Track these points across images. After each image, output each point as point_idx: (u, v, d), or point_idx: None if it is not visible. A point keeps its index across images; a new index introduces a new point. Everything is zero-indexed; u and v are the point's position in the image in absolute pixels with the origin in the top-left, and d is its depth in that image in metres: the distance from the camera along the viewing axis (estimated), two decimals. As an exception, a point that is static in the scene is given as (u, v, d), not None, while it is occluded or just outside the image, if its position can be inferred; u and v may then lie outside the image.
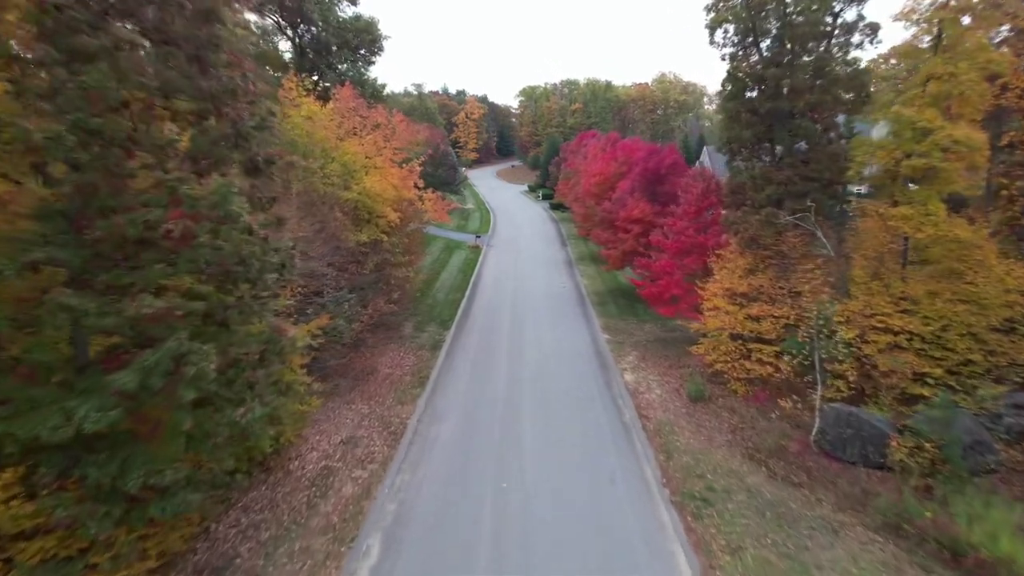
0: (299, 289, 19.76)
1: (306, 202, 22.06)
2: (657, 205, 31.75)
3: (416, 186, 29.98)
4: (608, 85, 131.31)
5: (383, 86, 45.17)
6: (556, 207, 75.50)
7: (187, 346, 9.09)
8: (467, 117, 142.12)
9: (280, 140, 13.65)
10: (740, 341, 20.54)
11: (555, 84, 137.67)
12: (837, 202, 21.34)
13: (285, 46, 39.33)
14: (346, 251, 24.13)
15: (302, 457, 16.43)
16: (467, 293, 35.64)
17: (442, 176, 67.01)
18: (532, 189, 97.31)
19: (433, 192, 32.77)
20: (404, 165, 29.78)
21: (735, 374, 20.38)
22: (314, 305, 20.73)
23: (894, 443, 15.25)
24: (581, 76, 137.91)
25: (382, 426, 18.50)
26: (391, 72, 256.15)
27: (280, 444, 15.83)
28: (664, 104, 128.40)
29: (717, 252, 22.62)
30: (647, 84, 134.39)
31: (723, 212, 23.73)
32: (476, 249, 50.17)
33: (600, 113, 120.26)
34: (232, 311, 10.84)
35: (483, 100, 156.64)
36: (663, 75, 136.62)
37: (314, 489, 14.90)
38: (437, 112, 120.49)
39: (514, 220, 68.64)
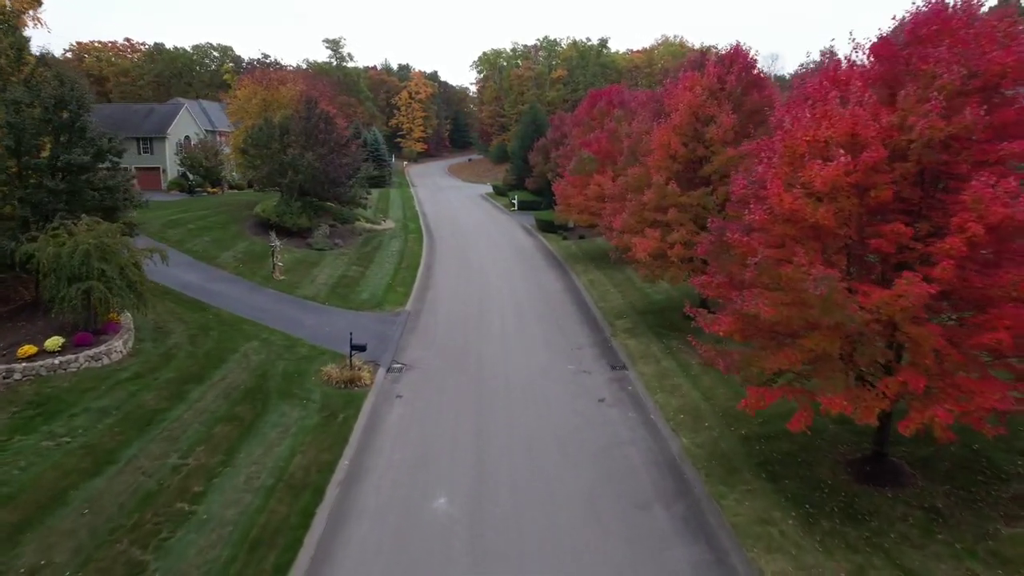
0: None
1: None
2: None
3: None
4: (601, 47, 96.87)
5: None
6: (551, 227, 40.63)
7: None
8: (411, 97, 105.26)
9: None
10: None
11: (527, 46, 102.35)
12: None
13: None
14: None
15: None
16: None
17: (313, 167, 30.21)
18: (501, 191, 62.01)
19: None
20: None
21: None
22: None
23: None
24: (562, 36, 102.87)
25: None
26: (315, 44, 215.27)
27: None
28: (676, 73, 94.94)
29: None
30: (649, 49, 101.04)
31: None
32: (346, 405, 14.70)
33: (591, 82, 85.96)
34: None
35: (432, 77, 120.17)
36: (666, 39, 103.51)
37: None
38: (362, 81, 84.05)
39: (472, 261, 33.43)
